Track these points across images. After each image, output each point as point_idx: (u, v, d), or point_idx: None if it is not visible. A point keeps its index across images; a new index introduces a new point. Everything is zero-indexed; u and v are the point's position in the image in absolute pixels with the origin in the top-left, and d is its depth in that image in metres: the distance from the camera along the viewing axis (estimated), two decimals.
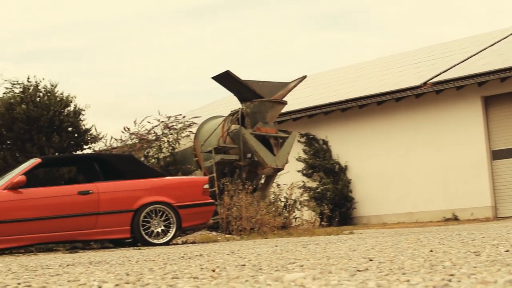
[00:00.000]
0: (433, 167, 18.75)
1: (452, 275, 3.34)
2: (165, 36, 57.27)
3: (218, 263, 5.28)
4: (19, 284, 3.65)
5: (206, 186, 11.40)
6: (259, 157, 13.82)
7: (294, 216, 14.84)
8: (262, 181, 14.63)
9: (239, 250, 7.57)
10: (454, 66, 19.47)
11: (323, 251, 6.67)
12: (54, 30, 53.98)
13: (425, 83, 18.85)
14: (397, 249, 6.24)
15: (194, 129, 14.97)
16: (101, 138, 15.25)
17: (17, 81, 15.16)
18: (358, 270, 4.02)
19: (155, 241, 10.60)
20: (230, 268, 4.62)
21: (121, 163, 11.31)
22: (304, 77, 15.20)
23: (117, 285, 3.36)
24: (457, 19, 53.47)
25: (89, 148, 15.02)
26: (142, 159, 14.32)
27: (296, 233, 12.91)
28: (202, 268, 4.67)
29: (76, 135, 14.73)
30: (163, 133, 15.26)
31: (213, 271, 4.36)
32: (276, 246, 8.34)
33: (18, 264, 6.85)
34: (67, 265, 6.13)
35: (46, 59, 51.97)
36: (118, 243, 11.47)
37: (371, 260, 4.93)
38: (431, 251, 5.60)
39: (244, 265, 4.88)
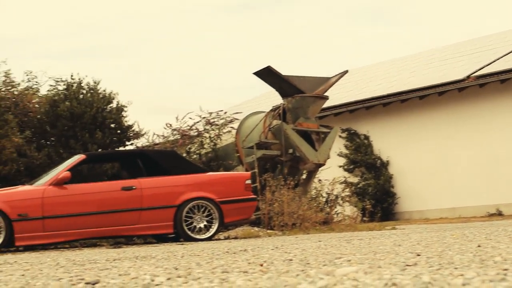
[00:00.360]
0: (476, 162, 18.48)
1: (506, 269, 3.28)
2: (207, 32, 57.48)
3: (264, 258, 5.27)
4: (71, 277, 3.68)
5: (248, 181, 11.39)
6: (301, 152, 13.78)
7: (336, 211, 14.76)
8: (304, 176, 14.59)
9: (283, 245, 7.56)
10: (498, 59, 19.13)
11: (368, 246, 6.62)
12: (97, 27, 54.54)
13: (468, 77, 18.56)
14: (443, 244, 6.17)
15: (235, 124, 14.99)
16: (143, 134, 15.36)
17: (61, 79, 15.37)
18: (407, 265, 3.98)
19: (198, 237, 10.62)
20: (277, 262, 4.61)
21: (164, 159, 11.36)
22: (346, 71, 15.11)
23: (169, 278, 3.37)
24: (500, 11, 52.65)
25: (132, 144, 15.14)
26: (184, 155, 14.38)
27: (338, 229, 12.85)
28: (249, 263, 4.66)
29: (118, 131, 14.84)
30: (204, 129, 15.32)
31: (261, 265, 4.35)
32: (319, 241, 8.31)
33: (65, 258, 6.93)
34: (114, 260, 6.18)
35: (89, 56, 52.54)
36: (161, 239, 11.53)
37: (418, 255, 4.88)
38: (479, 246, 5.52)
39: (291, 259, 4.87)
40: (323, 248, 6.52)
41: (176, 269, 4.25)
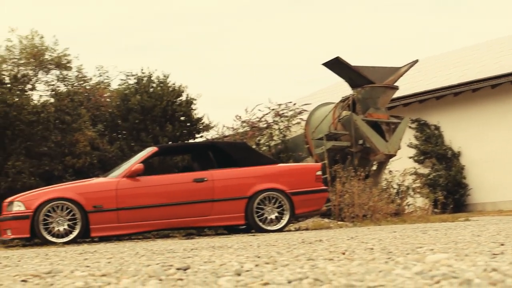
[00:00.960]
0: None
1: None
2: (274, 23, 57.52)
3: (342, 248, 5.22)
4: (158, 264, 3.72)
5: (319, 172, 11.33)
6: (371, 143, 13.65)
7: (407, 203, 14.58)
8: (374, 167, 14.44)
9: (357, 236, 7.49)
10: None
11: (446, 236, 6.50)
12: (166, 21, 55.19)
13: None
14: None
15: (304, 116, 14.95)
16: (212, 127, 15.46)
17: (131, 73, 15.60)
18: (494, 254, 3.88)
19: (269, 228, 10.62)
20: (359, 251, 4.56)
21: (234, 151, 11.39)
22: (416, 61, 14.87)
23: (257, 265, 3.37)
24: None
25: (201, 137, 15.25)
26: (254, 146, 14.41)
27: (409, 220, 12.68)
28: (330, 252, 4.63)
29: (188, 124, 14.98)
30: (274, 120, 15.32)
31: (343, 253, 4.31)
32: (394, 232, 8.21)
33: (142, 248, 7.02)
34: (191, 249, 6.22)
35: (158, 51, 53.22)
36: (232, 230, 11.58)
37: (502, 244, 4.76)
38: None
39: (372, 248, 4.81)
40: (400, 238, 6.43)
41: (258, 257, 4.25)
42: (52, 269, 3.44)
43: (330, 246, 5.65)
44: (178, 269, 3.14)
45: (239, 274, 2.85)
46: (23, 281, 2.99)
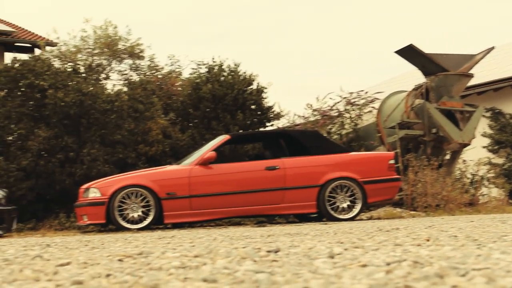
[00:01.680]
0: None
1: None
2: (347, 11, 57.16)
3: (422, 235, 5.14)
4: (244, 247, 3.73)
5: (392, 161, 11.21)
6: (445, 132, 13.42)
7: (481, 193, 14.30)
8: (448, 156, 14.21)
9: (434, 225, 7.38)
10: None
11: None
12: (236, 10, 55.45)
13: None
14: None
15: (376, 104, 14.80)
16: (283, 115, 15.44)
17: (202, 62, 15.69)
18: None
19: (341, 216, 10.57)
20: (443, 238, 4.48)
21: (306, 139, 11.35)
22: (492, 48, 14.53)
23: (346, 249, 3.35)
24: None
25: (272, 125, 15.25)
26: (325, 135, 14.35)
27: (484, 211, 12.44)
28: (413, 238, 4.57)
29: (259, 112, 14.98)
30: (345, 109, 15.22)
31: (427, 240, 4.24)
32: (471, 221, 8.07)
33: (218, 234, 7.07)
34: (268, 236, 6.23)
35: (229, 39, 53.54)
36: (303, 218, 11.56)
37: None
38: None
39: (456, 236, 4.73)
40: (480, 228, 6.30)
41: (342, 242, 4.22)
42: (142, 251, 3.49)
43: (409, 234, 5.58)
44: (268, 251, 3.15)
45: (332, 257, 2.83)
46: (119, 260, 3.04)
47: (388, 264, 2.47)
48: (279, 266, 2.53)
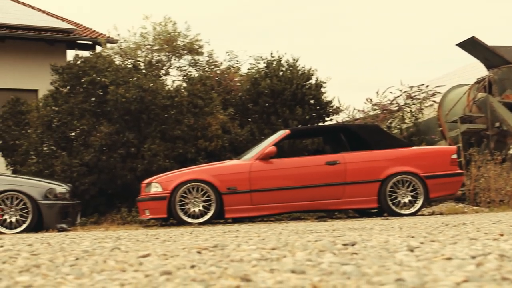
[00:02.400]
0: None
1: None
2: (405, 3, 56.55)
3: (493, 230, 5.05)
4: (317, 241, 3.73)
5: (454, 156, 11.04)
6: (508, 126, 13.17)
7: None
8: (511, 151, 13.94)
9: (501, 220, 7.25)
10: None
11: None
12: (294, 4, 55.38)
13: None
14: None
15: (437, 98, 14.60)
16: (342, 110, 15.36)
17: (261, 57, 15.71)
18: None
19: (402, 212, 10.47)
20: None
21: (367, 134, 11.26)
22: None
23: (422, 242, 3.31)
24: None
25: (331, 120, 15.18)
26: (385, 129, 14.23)
27: None
28: (485, 233, 4.49)
29: (318, 107, 14.93)
30: (405, 103, 15.06)
31: (501, 235, 4.17)
32: None
33: (282, 229, 7.07)
34: (333, 230, 6.21)
35: (287, 34, 53.50)
36: (363, 213, 11.48)
37: None
38: None
39: None
40: None
41: (412, 237, 4.18)
42: (216, 244, 3.51)
43: (478, 229, 5.49)
44: (344, 244, 3.14)
45: (412, 250, 2.81)
46: (198, 252, 3.07)
47: (473, 257, 2.44)
48: (361, 258, 2.52)
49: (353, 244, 3.18)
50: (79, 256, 3.04)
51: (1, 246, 4.19)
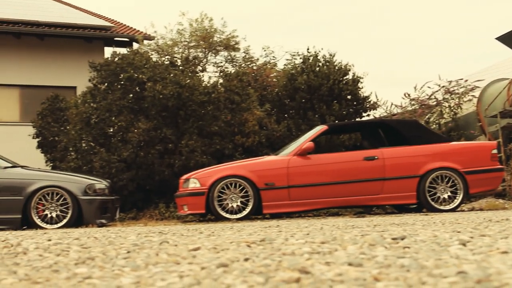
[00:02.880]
0: None
1: None
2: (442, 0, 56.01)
3: None
4: (364, 235, 3.71)
5: (495, 151, 10.91)
6: None
7: None
8: None
9: None
10: None
11: None
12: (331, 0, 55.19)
13: None
14: None
15: (476, 93, 14.44)
16: (380, 105, 15.26)
17: (297, 52, 15.69)
18: None
19: (441, 207, 10.37)
20: None
21: (405, 129, 11.17)
22: None
23: (472, 237, 3.28)
24: None
25: (368, 115, 15.10)
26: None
27: None
28: None
29: (355, 102, 14.86)
30: (444, 98, 14.92)
31: None
32: None
33: (322, 224, 7.06)
34: (374, 225, 6.17)
35: (323, 30, 53.34)
36: (402, 209, 11.41)
37: None
38: None
39: None
40: None
41: (459, 231, 4.14)
42: (264, 238, 3.51)
43: None
44: (393, 238, 3.12)
45: (464, 244, 2.78)
46: (248, 246, 3.08)
47: None
48: (415, 252, 2.50)
49: (402, 238, 3.16)
50: (130, 250, 3.06)
51: (49, 240, 4.25)
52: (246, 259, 2.42)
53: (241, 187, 10.30)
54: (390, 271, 1.92)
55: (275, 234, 4.56)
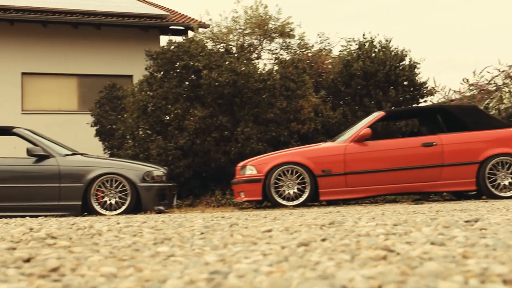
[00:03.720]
0: None
1: None
2: None
3: None
4: (433, 219, 3.67)
5: None
6: None
7: None
8: None
9: None
10: None
11: None
12: None
13: None
14: None
15: None
16: (438, 91, 15.06)
17: (353, 39, 15.58)
18: None
19: (502, 194, 10.19)
20: None
21: (464, 114, 11.00)
22: None
23: None
24: None
25: (425, 101, 14.91)
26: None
27: None
28: None
29: (411, 88, 14.69)
30: (504, 83, 14.64)
31: None
32: None
33: (381, 210, 7.02)
34: (437, 211, 6.11)
35: (379, 15, 52.81)
36: (460, 196, 11.26)
37: None
38: None
39: None
40: None
41: None
42: (333, 220, 3.52)
43: None
44: (466, 221, 3.08)
45: None
46: (320, 228, 3.08)
47: None
48: (494, 233, 2.48)
49: (476, 221, 3.12)
50: (203, 231, 3.09)
51: (118, 223, 4.32)
52: (323, 239, 2.42)
53: (298, 174, 10.28)
54: (476, 250, 1.90)
55: (340, 218, 4.55)
